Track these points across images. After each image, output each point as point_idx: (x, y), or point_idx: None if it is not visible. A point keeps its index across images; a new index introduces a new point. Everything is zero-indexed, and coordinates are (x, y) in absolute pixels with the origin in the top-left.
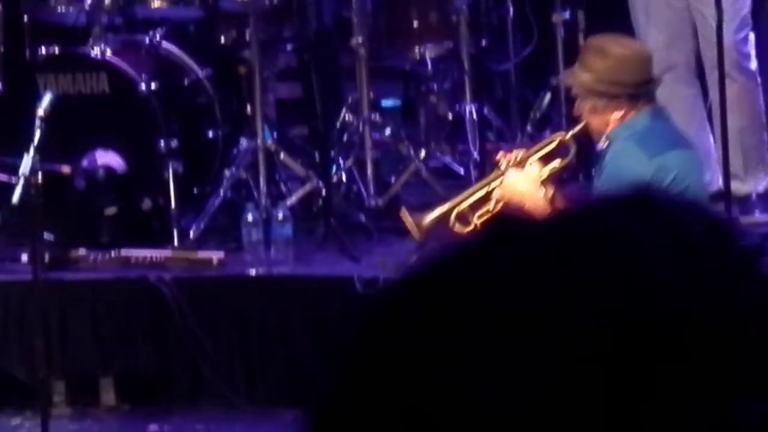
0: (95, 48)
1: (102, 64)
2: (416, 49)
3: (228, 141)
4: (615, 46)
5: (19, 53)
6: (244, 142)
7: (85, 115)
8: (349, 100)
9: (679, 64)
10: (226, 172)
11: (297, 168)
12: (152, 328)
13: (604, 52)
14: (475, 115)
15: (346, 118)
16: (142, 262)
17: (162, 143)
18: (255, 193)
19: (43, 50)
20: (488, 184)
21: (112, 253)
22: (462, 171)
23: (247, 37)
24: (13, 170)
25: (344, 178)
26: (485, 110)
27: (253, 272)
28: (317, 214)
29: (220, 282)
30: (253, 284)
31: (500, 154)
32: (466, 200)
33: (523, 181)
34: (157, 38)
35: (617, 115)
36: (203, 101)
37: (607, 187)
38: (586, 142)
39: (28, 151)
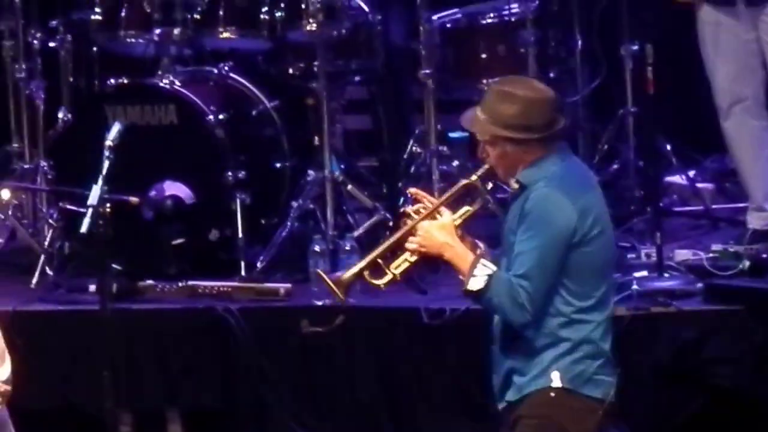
0: (164, 79)
1: (170, 96)
2: (484, 81)
3: (295, 172)
4: (520, 89)
5: (89, 84)
6: (311, 174)
7: (154, 145)
8: (417, 131)
9: (747, 96)
10: (293, 204)
11: (364, 199)
12: (219, 358)
13: (511, 97)
14: None
15: (414, 150)
16: (209, 293)
17: (229, 174)
18: (322, 225)
19: (112, 81)
20: (402, 236)
21: (180, 284)
22: None
23: (315, 69)
24: (82, 200)
25: None
26: None
27: (319, 303)
28: None
29: (286, 313)
30: (319, 315)
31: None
32: (381, 255)
33: (439, 230)
34: (225, 70)
35: (527, 158)
36: (271, 132)
37: (533, 233)
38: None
39: (96, 181)
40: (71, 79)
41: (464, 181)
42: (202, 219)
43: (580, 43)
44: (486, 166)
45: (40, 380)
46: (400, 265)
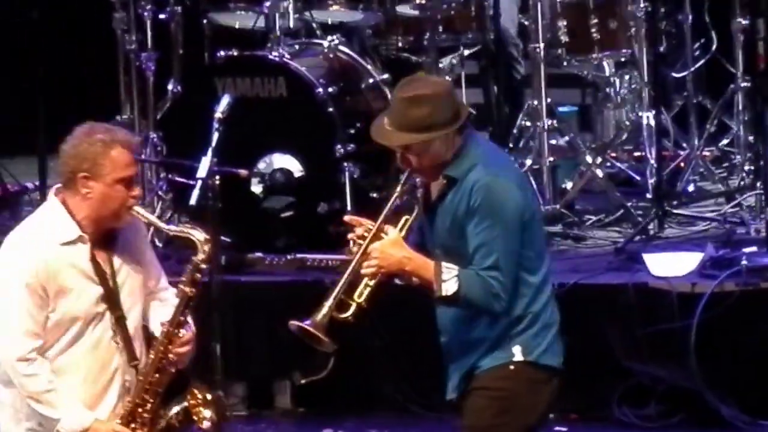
0: (273, 52)
1: (280, 68)
2: (594, 56)
3: None
4: (423, 88)
5: (199, 56)
6: None
7: (263, 118)
8: (526, 105)
9: None
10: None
11: None
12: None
13: (419, 99)
14: (652, 122)
15: (523, 124)
16: (317, 266)
17: (339, 147)
18: None
19: (222, 53)
20: (356, 265)
21: (288, 257)
22: (639, 178)
23: (425, 43)
24: (191, 173)
25: None
26: (662, 117)
27: None
28: None
29: (395, 286)
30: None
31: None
32: (343, 290)
33: (392, 246)
34: (335, 43)
35: (449, 152)
36: (380, 105)
37: (489, 222)
38: None
39: (205, 153)
40: (181, 51)
41: (394, 195)
42: (311, 192)
43: (690, 17)
44: (406, 174)
45: None
46: (362, 293)
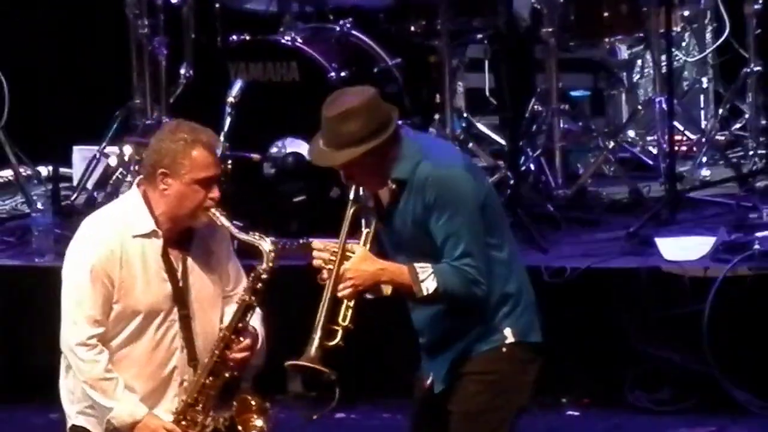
0: (286, 36)
1: (292, 53)
2: (606, 40)
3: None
4: (351, 101)
5: (211, 41)
6: (433, 131)
7: (275, 102)
8: (538, 90)
9: None
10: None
11: (485, 157)
12: None
13: (350, 113)
14: (664, 106)
15: (535, 108)
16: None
17: None
18: None
19: (234, 38)
20: (333, 290)
21: (300, 241)
22: (651, 162)
23: (437, 27)
24: None
25: (532, 168)
26: (675, 101)
27: None
28: (505, 204)
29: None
30: None
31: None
32: (328, 318)
33: (363, 262)
34: (347, 27)
35: (389, 156)
36: (392, 90)
37: (450, 213)
38: None
39: (218, 137)
40: (193, 36)
41: (348, 213)
42: (324, 176)
43: (703, 1)
44: (354, 187)
45: None
46: (346, 316)
